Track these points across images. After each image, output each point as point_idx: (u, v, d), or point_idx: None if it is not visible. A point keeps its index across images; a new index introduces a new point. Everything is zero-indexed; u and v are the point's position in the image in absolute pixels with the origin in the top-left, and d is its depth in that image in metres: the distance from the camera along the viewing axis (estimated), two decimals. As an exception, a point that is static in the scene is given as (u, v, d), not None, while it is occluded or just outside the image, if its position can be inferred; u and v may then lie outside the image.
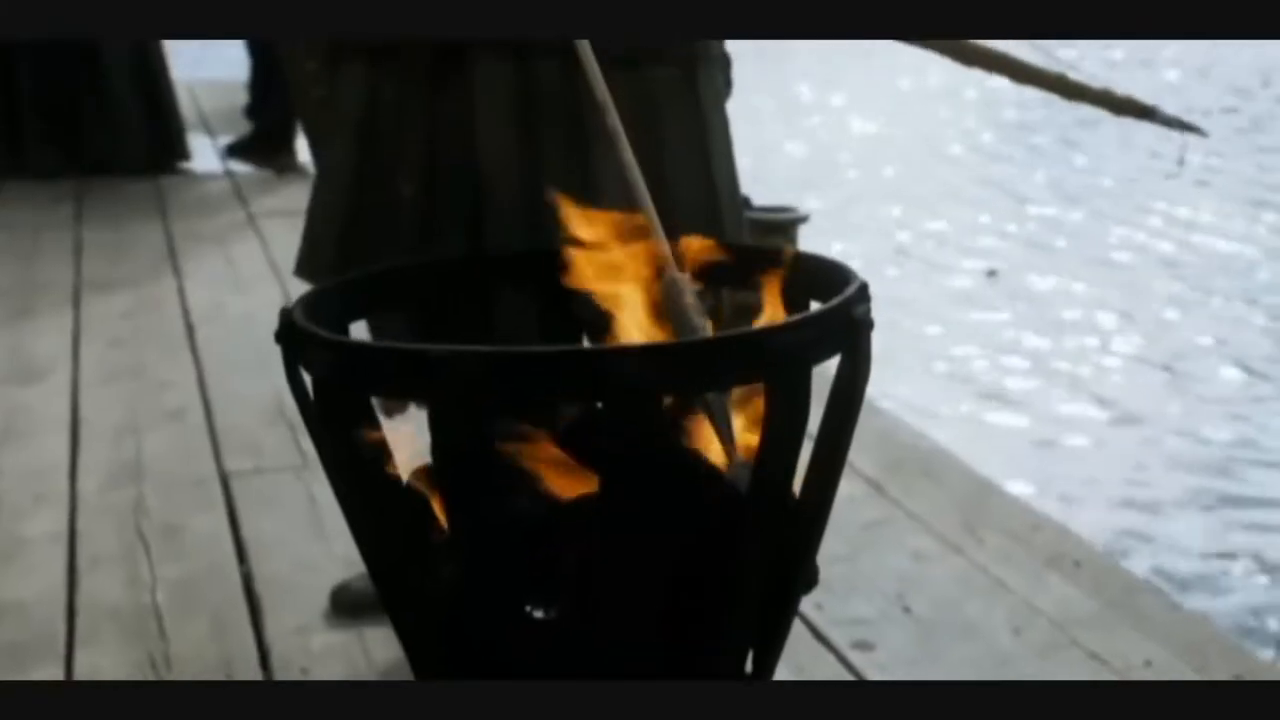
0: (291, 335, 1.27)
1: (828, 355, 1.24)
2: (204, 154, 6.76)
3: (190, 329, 4.24)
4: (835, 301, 1.24)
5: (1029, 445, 4.50)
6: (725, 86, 2.31)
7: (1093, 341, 5.52)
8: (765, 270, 1.33)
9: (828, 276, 1.33)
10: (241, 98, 6.76)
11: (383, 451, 1.26)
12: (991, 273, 6.37)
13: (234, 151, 6.61)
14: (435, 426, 1.15)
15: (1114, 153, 8.89)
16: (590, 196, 2.02)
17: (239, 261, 5.00)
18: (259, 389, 3.58)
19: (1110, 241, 6.98)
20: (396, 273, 1.52)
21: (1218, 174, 8.07)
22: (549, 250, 1.44)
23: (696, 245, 1.39)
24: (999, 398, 4.93)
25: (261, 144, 6.47)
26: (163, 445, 3.36)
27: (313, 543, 2.78)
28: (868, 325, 1.26)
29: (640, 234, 1.37)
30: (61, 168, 6.27)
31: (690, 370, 1.16)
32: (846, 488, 3.58)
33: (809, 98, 10.93)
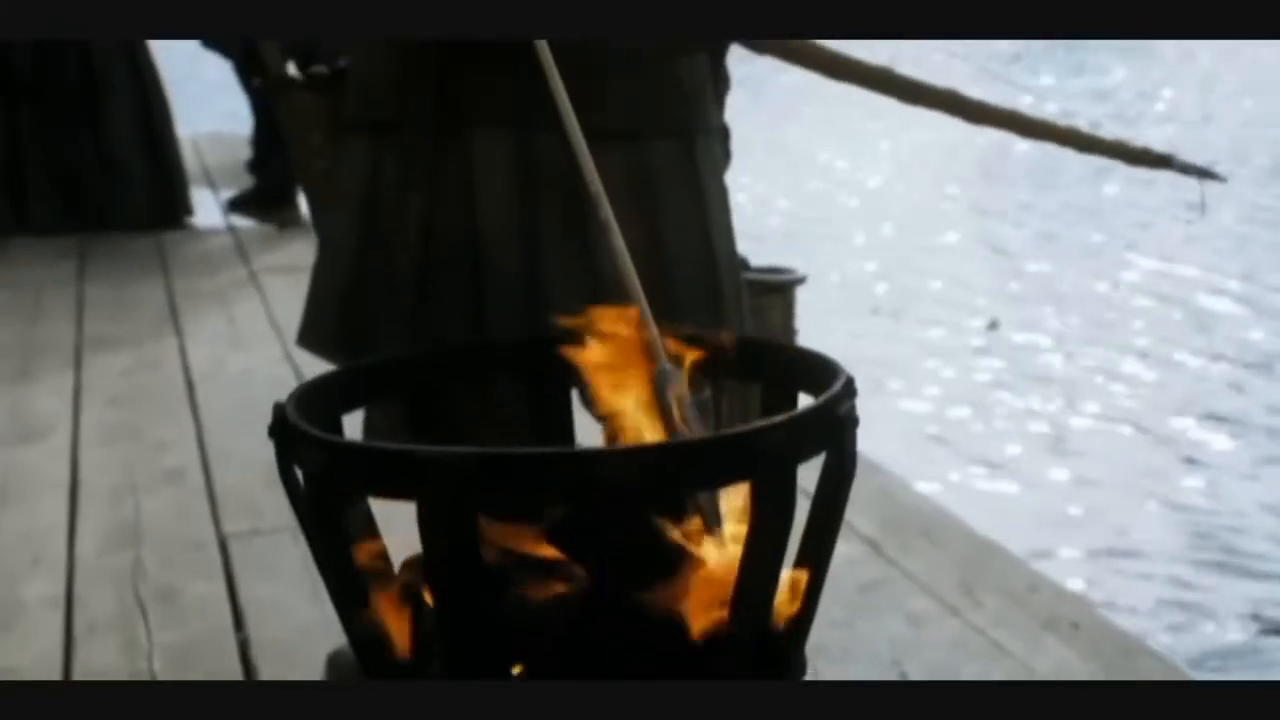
0: (284, 432, 1.29)
1: (813, 454, 1.25)
2: (207, 208, 6.80)
3: (190, 387, 4.25)
4: (821, 400, 1.25)
5: (1017, 510, 4.48)
6: (724, 158, 2.33)
7: (1080, 401, 5.50)
8: (754, 362, 1.34)
9: (815, 370, 1.34)
10: (245, 152, 6.80)
11: (373, 546, 1.28)
12: (993, 324, 6.36)
13: (236, 206, 6.65)
14: (424, 525, 1.16)
15: (1108, 207, 8.89)
16: (589, 269, 2.04)
17: (240, 319, 5.01)
18: (258, 449, 3.53)
19: (1100, 296, 6.96)
20: (389, 364, 1.53)
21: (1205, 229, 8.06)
22: (544, 337, 1.46)
23: (689, 336, 1.40)
24: (986, 461, 4.91)
25: (264, 199, 6.50)
26: (161, 506, 3.36)
27: (310, 607, 2.78)
28: (853, 422, 1.27)
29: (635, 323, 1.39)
30: (65, 224, 6.31)
31: (675, 472, 1.18)
32: (844, 548, 3.57)
33: (810, 155, 10.94)
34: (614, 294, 1.91)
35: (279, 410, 1.30)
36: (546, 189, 2.07)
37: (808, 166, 10.48)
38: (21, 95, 6.29)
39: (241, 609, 2.82)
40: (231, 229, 6.49)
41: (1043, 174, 9.90)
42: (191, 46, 6.74)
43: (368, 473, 1.23)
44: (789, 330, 3.27)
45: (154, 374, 4.41)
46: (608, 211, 1.43)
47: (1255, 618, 3.79)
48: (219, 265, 5.83)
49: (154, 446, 3.76)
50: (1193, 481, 4.72)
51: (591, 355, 1.33)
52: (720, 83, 2.29)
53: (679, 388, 1.31)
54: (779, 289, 3.21)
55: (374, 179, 2.15)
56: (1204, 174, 1.84)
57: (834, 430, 1.25)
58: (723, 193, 2.24)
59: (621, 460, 1.18)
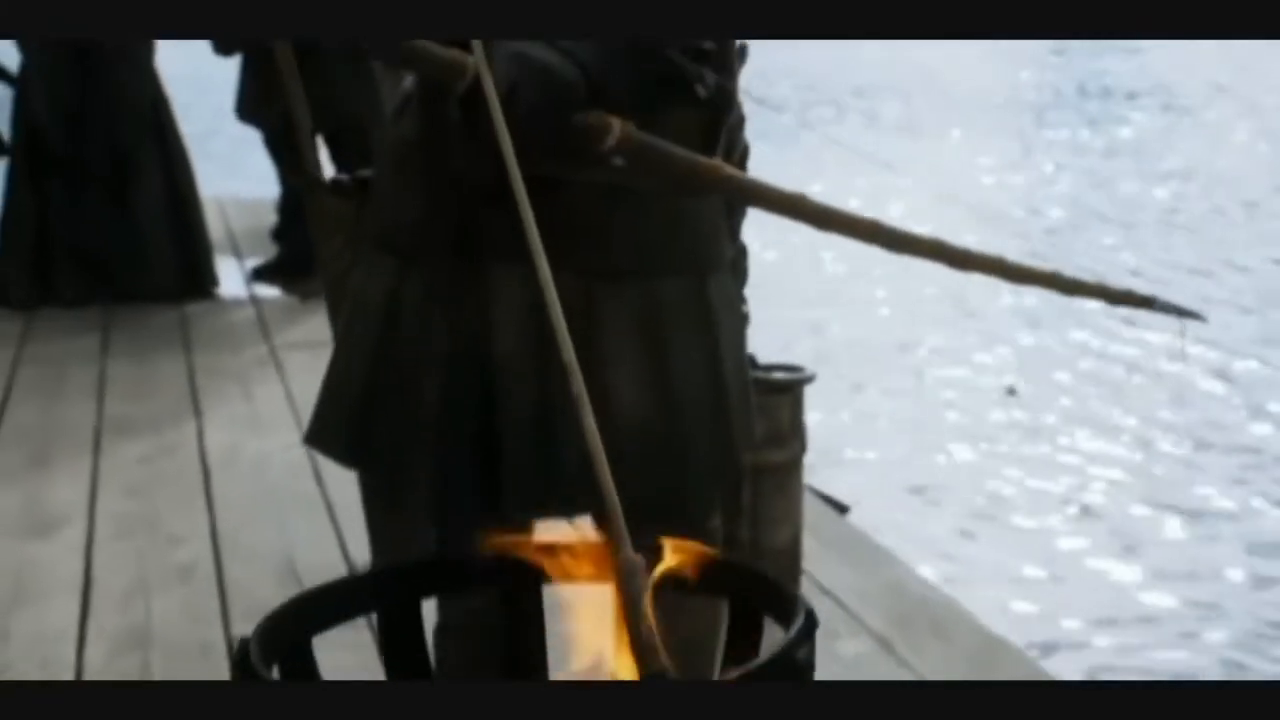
0: (246, 672, 1.29)
1: (772, 702, 1.24)
2: (231, 277, 6.79)
3: (207, 474, 4.27)
4: (779, 649, 1.24)
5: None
6: (741, 276, 2.35)
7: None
8: (720, 580, 1.34)
9: (778, 599, 1.33)
10: (271, 217, 6.83)
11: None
12: (1011, 391, 6.32)
13: (260, 275, 6.69)
14: None
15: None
16: (600, 403, 2.04)
17: (259, 399, 5.03)
18: (270, 542, 3.62)
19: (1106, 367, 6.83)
20: (358, 582, 1.54)
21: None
22: (514, 555, 1.47)
23: (657, 547, 1.39)
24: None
25: (288, 268, 6.53)
26: (171, 606, 3.38)
27: (313, 718, 2.78)
28: (810, 667, 1.26)
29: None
30: (91, 296, 6.35)
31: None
32: (854, 646, 3.53)
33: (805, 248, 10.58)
34: (624, 429, 1.91)
35: (243, 647, 1.30)
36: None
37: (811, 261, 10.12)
38: (51, 169, 6.35)
39: None
40: (254, 300, 6.51)
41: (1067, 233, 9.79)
42: (219, 107, 6.77)
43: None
44: (797, 428, 3.24)
45: (171, 460, 4.42)
46: (580, 387, 1.43)
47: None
48: (241, 341, 5.86)
49: (167, 540, 3.78)
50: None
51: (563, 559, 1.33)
52: (737, 213, 2.31)
53: (640, 580, 1.30)
54: (787, 388, 3.19)
55: (395, 295, 2.16)
56: (1184, 314, 1.84)
57: (791, 678, 1.23)
58: (736, 326, 2.24)
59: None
